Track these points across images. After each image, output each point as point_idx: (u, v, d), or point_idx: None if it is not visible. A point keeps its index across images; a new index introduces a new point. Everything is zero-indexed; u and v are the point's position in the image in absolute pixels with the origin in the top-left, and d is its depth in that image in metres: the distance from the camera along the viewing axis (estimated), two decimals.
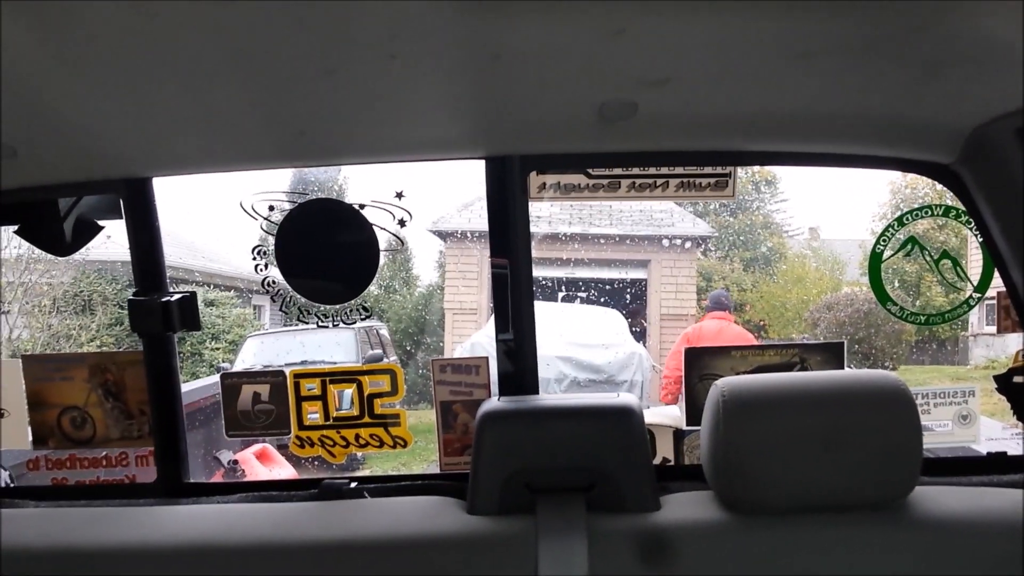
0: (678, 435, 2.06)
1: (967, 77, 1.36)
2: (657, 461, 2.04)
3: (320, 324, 1.98)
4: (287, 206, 1.90)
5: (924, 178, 1.86)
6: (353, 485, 1.82)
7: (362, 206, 1.88)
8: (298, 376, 1.99)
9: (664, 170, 2.01)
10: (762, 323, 11.35)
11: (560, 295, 9.20)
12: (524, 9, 1.17)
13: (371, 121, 1.64)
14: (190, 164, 1.88)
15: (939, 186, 1.80)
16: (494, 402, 1.74)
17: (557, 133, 1.73)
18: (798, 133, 1.73)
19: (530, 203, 1.89)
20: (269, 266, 1.94)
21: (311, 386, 1.98)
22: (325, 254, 1.94)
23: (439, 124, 1.69)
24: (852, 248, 12.93)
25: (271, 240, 1.92)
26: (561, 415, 1.68)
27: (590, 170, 2.01)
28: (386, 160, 1.88)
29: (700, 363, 1.99)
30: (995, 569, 1.47)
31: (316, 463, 2.21)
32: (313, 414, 1.98)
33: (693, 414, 1.96)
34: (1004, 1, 1.11)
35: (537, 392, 1.90)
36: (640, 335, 9.18)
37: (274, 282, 1.94)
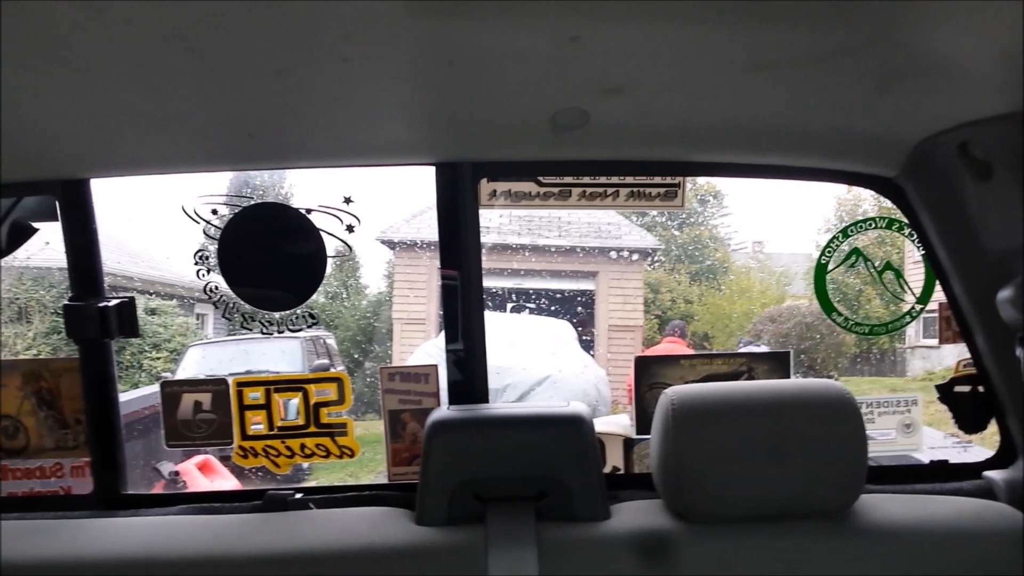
0: (628, 444, 2.06)
1: (915, 92, 1.39)
2: (607, 470, 2.04)
3: (264, 332, 1.94)
4: (231, 210, 1.86)
5: (867, 193, 1.89)
6: (298, 496, 1.78)
7: (309, 211, 1.85)
8: (241, 384, 1.94)
9: (615, 179, 2.02)
10: (708, 334, 11.50)
11: (509, 305, 9.19)
12: (479, 14, 1.16)
13: (322, 124, 1.61)
14: (130, 165, 1.83)
15: (886, 201, 1.84)
16: (443, 411, 1.72)
17: (509, 140, 1.73)
18: (748, 144, 1.75)
19: (480, 211, 1.88)
20: (212, 272, 1.89)
21: (255, 395, 1.94)
22: (270, 260, 1.90)
23: (391, 129, 1.67)
24: (796, 261, 13.19)
25: (215, 245, 1.88)
26: (511, 424, 1.67)
27: (541, 178, 2.01)
28: (336, 164, 1.85)
29: (650, 372, 2.00)
30: (939, 575, 1.50)
31: (260, 475, 2.16)
32: (257, 424, 1.94)
33: (643, 423, 1.96)
34: (955, 16, 1.13)
35: (487, 401, 1.88)
36: (588, 345, 9.22)
37: (216, 288, 1.89)
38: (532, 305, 9.28)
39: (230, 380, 1.95)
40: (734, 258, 14.94)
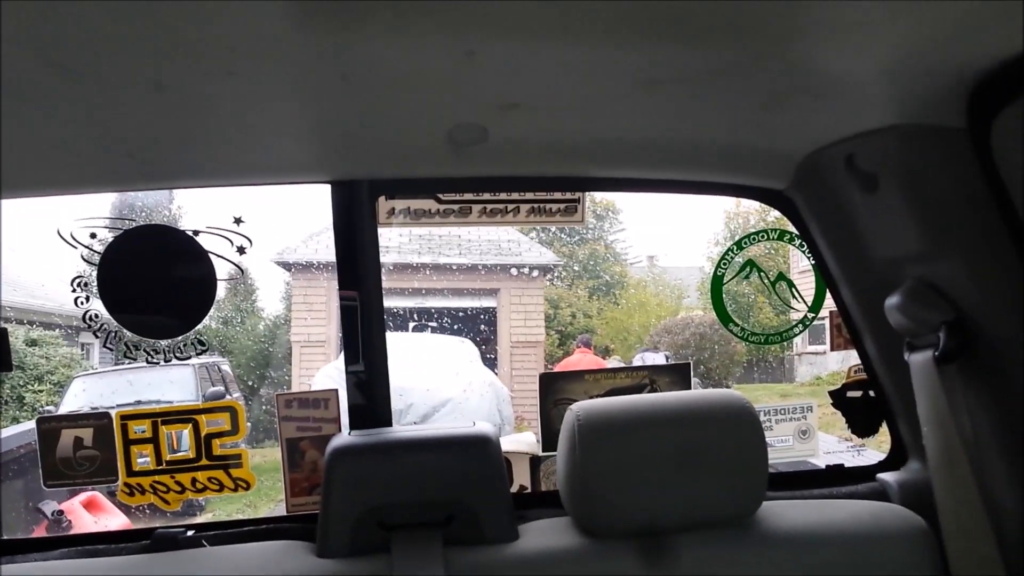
0: (534, 462, 2.05)
1: (801, 107, 1.43)
2: (514, 489, 2.01)
3: (150, 361, 1.83)
4: (111, 233, 1.75)
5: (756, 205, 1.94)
6: (190, 533, 1.68)
7: (196, 232, 1.76)
8: (125, 418, 1.82)
9: (515, 195, 2.01)
10: (609, 347, 11.69)
11: (411, 325, 9.10)
12: (370, 29, 1.12)
13: (208, 141, 1.53)
14: (4, 190, 1.70)
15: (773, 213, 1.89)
16: (344, 436, 1.66)
17: (406, 157, 1.69)
18: (643, 159, 1.77)
19: (380, 230, 1.83)
20: (91, 299, 1.78)
21: (141, 428, 1.82)
22: (155, 284, 1.80)
23: (282, 146, 1.61)
24: (689, 274, 13.61)
25: (94, 270, 1.76)
26: (415, 447, 1.63)
27: (440, 195, 1.98)
28: (224, 184, 1.78)
29: (554, 388, 1.99)
30: None
31: (151, 510, 2.04)
32: (143, 458, 1.83)
33: (549, 440, 1.95)
34: (837, 35, 1.17)
35: (390, 424, 1.83)
36: (492, 362, 9.22)
37: (97, 316, 1.78)
38: (434, 324, 9.22)
39: (114, 413, 1.83)
40: (630, 272, 15.28)
